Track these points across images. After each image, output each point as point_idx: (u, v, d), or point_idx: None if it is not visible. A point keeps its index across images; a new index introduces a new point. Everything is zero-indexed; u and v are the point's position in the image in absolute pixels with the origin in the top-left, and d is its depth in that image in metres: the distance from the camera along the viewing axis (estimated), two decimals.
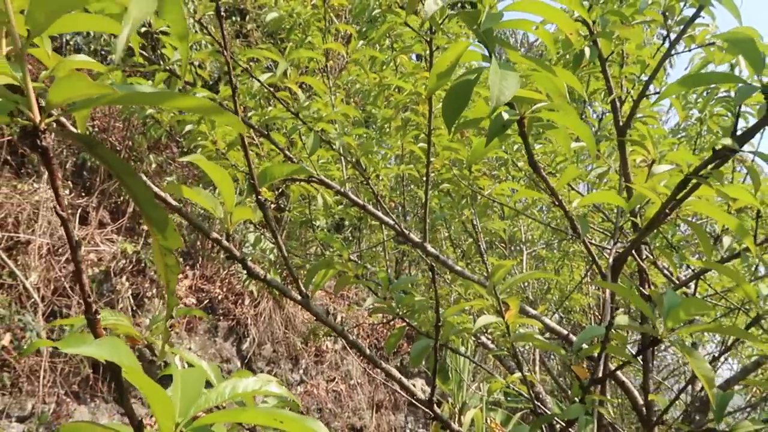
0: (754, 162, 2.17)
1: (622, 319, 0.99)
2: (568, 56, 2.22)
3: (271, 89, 2.23)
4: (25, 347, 4.44)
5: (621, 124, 2.06)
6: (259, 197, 1.14)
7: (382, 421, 6.81)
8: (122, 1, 0.42)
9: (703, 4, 1.82)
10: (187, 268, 6.10)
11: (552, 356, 6.48)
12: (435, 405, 1.37)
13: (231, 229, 1.06)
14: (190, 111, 0.48)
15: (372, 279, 2.13)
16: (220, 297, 6.08)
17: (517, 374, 1.47)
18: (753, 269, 2.98)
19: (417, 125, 2.60)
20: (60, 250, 5.04)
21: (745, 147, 1.03)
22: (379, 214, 2.50)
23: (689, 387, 2.74)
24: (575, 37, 0.93)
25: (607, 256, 1.51)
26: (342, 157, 2.60)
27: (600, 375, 1.10)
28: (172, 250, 0.51)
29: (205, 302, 5.98)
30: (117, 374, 0.47)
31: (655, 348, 5.69)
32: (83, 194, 5.57)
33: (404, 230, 2.39)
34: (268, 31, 6.73)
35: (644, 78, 2.42)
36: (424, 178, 2.26)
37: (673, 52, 2.01)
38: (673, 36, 2.00)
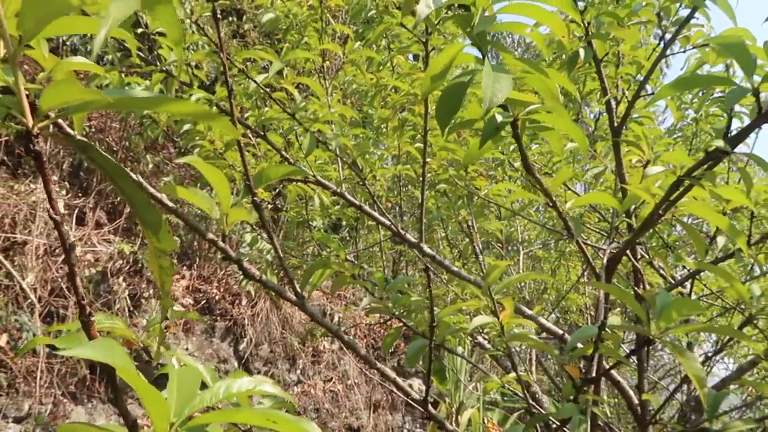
0: (748, 163, 2.18)
1: (614, 319, 1.00)
2: (564, 56, 2.23)
3: (268, 90, 2.23)
4: (21, 348, 4.43)
5: (616, 124, 2.07)
6: (255, 198, 1.15)
7: (379, 421, 6.82)
8: (102, 3, 0.42)
9: (697, 5, 1.83)
10: (185, 268, 6.09)
11: (549, 356, 6.49)
12: (431, 405, 1.38)
13: (227, 230, 1.07)
14: (184, 116, 0.48)
15: (369, 279, 2.14)
16: (217, 297, 6.08)
17: (513, 374, 1.47)
18: (749, 269, 2.99)
19: (414, 126, 2.60)
20: (57, 250, 5.03)
21: (741, 148, 1.04)
22: (376, 214, 2.50)
23: (684, 386, 2.75)
24: (567, 40, 0.93)
25: (603, 257, 1.52)
26: (338, 158, 2.60)
27: (593, 375, 1.11)
28: (167, 252, 0.51)
29: (203, 302, 5.98)
30: (112, 375, 0.48)
31: (652, 348, 5.71)
32: (80, 195, 5.56)
33: (400, 231, 2.39)
34: (265, 32, 6.73)
35: (640, 78, 2.43)
36: (421, 179, 2.27)
37: (668, 52, 2.02)
38: (668, 37, 2.01)
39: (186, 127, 2.42)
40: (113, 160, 0.46)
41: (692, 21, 1.95)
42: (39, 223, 4.92)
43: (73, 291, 0.45)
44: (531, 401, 1.62)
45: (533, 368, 4.39)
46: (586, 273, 4.26)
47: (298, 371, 6.51)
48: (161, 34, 2.18)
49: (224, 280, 6.27)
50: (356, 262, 3.14)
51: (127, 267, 5.40)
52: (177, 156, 6.15)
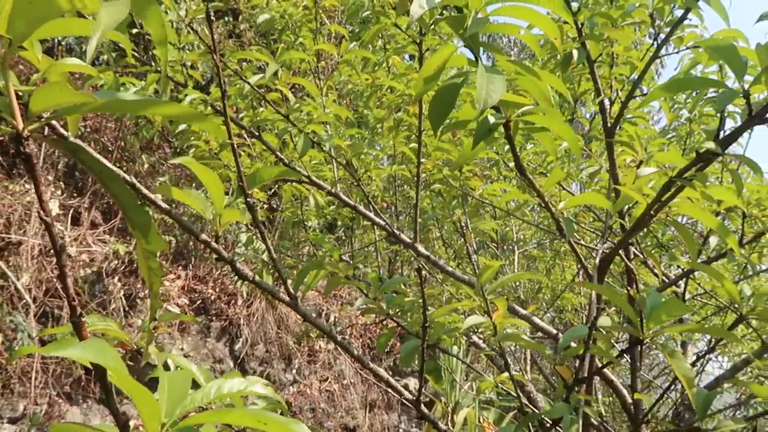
0: (741, 164, 2.19)
1: (605, 320, 1.01)
2: (558, 57, 2.24)
3: (262, 91, 2.23)
4: (16, 348, 4.42)
5: (609, 125, 2.08)
6: (249, 199, 1.15)
7: (375, 421, 6.82)
8: (91, 8, 0.43)
9: (690, 6, 1.84)
10: (180, 268, 6.09)
11: (546, 357, 6.50)
12: (427, 404, 1.39)
13: (220, 231, 1.07)
14: (173, 118, 0.49)
15: (363, 279, 2.14)
16: (212, 297, 6.07)
17: (506, 374, 1.48)
18: (742, 268, 3.01)
19: (409, 126, 2.61)
20: (52, 251, 5.02)
21: (735, 148, 1.05)
22: (371, 215, 2.51)
23: (679, 385, 2.76)
24: (559, 43, 0.94)
25: (596, 257, 1.53)
26: (333, 159, 2.61)
27: (584, 375, 1.11)
28: (156, 254, 0.52)
29: (198, 302, 5.98)
30: (102, 376, 0.48)
31: (646, 347, 5.72)
32: (75, 195, 5.55)
33: (395, 231, 2.40)
34: (261, 31, 6.73)
35: (634, 78, 2.44)
36: (416, 179, 2.28)
37: (661, 53, 2.03)
38: (662, 38, 2.02)
39: (181, 127, 2.42)
40: (103, 162, 0.46)
41: (686, 21, 1.96)
42: (34, 223, 4.91)
43: (63, 293, 0.45)
44: (525, 400, 1.63)
45: (528, 367, 4.40)
46: (580, 273, 4.27)
47: (294, 371, 6.51)
48: None
49: (220, 280, 6.26)
50: (351, 262, 3.15)
51: (123, 267, 5.40)
52: (172, 156, 6.14)
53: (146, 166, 5.93)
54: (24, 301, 4.66)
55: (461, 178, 2.80)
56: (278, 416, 0.51)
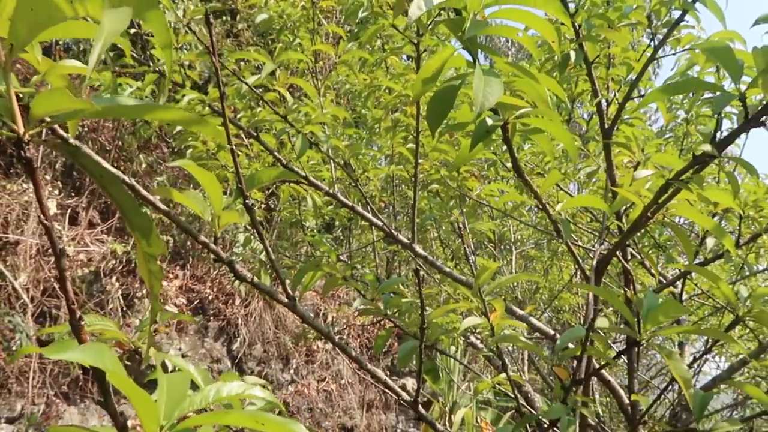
0: (737, 166, 2.19)
1: (602, 321, 1.01)
2: (556, 58, 2.24)
3: (260, 92, 2.24)
4: (14, 348, 4.42)
5: (607, 126, 2.08)
6: (247, 201, 1.15)
7: (372, 421, 6.83)
8: (94, 15, 0.43)
9: (687, 8, 1.85)
10: (178, 268, 6.08)
11: (542, 358, 6.51)
12: (424, 404, 1.39)
13: (218, 232, 1.07)
14: (171, 123, 0.49)
15: (361, 280, 2.14)
16: (210, 297, 6.07)
17: (504, 374, 1.48)
18: (739, 269, 3.02)
19: (406, 126, 2.61)
20: (49, 250, 5.01)
21: (732, 149, 1.05)
22: (368, 215, 2.51)
23: (676, 386, 2.77)
24: (557, 45, 0.94)
25: (593, 258, 1.53)
26: (331, 159, 2.61)
27: (581, 376, 1.12)
28: (156, 257, 0.52)
29: (196, 302, 5.97)
30: (101, 378, 0.48)
31: (643, 347, 5.73)
32: (73, 194, 5.55)
33: (393, 231, 2.40)
34: (259, 31, 6.73)
35: (631, 78, 2.44)
36: (413, 179, 2.28)
37: (658, 54, 2.03)
38: (659, 39, 2.02)
39: (179, 127, 2.42)
40: (103, 165, 0.47)
41: (683, 23, 1.97)
42: (31, 223, 4.90)
43: (63, 296, 0.45)
44: (522, 401, 1.64)
45: (525, 368, 4.40)
46: (578, 273, 4.27)
47: (292, 371, 6.51)
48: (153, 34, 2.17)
49: (217, 280, 6.26)
50: (349, 262, 3.15)
51: (120, 267, 5.39)
52: (170, 155, 6.14)
53: (144, 165, 5.93)
54: (21, 300, 4.66)
55: (459, 178, 2.80)
56: (276, 417, 0.52)
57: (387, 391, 1.38)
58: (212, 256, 1.12)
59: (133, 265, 5.46)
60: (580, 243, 3.11)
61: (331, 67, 5.78)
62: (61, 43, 5.63)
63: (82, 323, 0.49)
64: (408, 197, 3.54)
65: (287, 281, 1.28)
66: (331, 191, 2.49)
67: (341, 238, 6.45)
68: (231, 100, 2.45)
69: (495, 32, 1.05)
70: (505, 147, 3.02)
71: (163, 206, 1.00)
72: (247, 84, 2.14)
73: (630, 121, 2.54)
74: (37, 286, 4.84)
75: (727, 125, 2.94)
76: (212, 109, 2.28)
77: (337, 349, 6.73)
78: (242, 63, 2.68)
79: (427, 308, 1.58)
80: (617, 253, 1.61)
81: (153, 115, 0.48)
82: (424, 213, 3.13)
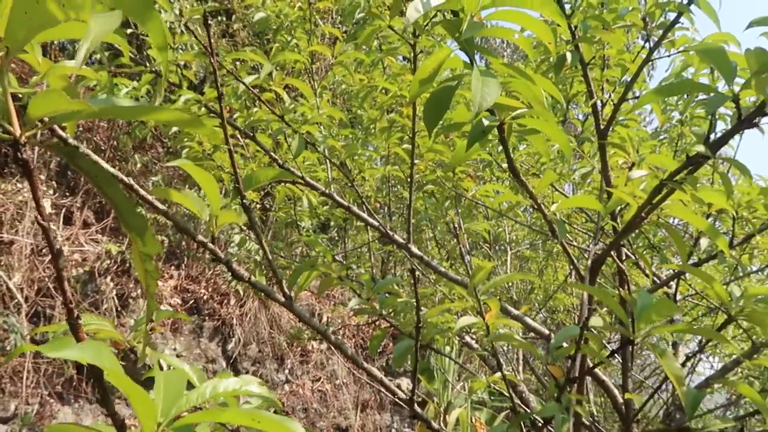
0: (731, 167, 2.21)
1: (596, 320, 1.02)
2: (552, 59, 2.25)
3: (256, 92, 2.24)
4: (8, 348, 4.41)
5: (602, 127, 2.09)
6: (245, 201, 1.16)
7: (367, 421, 6.83)
8: (84, 19, 0.43)
9: (682, 10, 1.86)
10: (173, 268, 6.07)
11: (537, 358, 6.52)
12: (419, 404, 1.39)
13: (216, 232, 1.07)
14: (168, 124, 0.49)
15: (356, 280, 2.14)
16: (205, 297, 6.06)
17: (499, 374, 1.49)
18: (733, 269, 3.03)
19: (402, 127, 2.61)
20: (44, 250, 5.00)
21: (727, 151, 1.06)
22: (364, 215, 2.51)
23: (670, 386, 2.78)
24: (553, 46, 0.95)
25: (588, 258, 1.54)
26: (327, 160, 2.61)
27: (575, 374, 1.12)
28: (152, 256, 0.52)
29: (191, 302, 5.97)
30: (99, 377, 0.48)
31: (637, 347, 5.75)
32: (67, 194, 5.53)
33: (388, 231, 2.40)
34: (255, 31, 6.72)
35: (626, 80, 2.45)
36: (409, 180, 2.28)
37: (653, 56, 2.04)
38: (654, 41, 2.03)
39: (175, 128, 2.42)
40: (100, 166, 0.47)
41: (677, 24, 1.98)
42: (26, 222, 4.89)
43: (60, 295, 0.45)
44: (517, 400, 1.64)
45: (520, 368, 4.42)
46: (573, 273, 4.29)
47: (287, 371, 6.50)
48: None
49: (212, 280, 6.25)
50: (344, 262, 3.15)
51: (115, 267, 5.38)
52: (165, 155, 6.13)
53: (139, 165, 5.91)
54: (16, 300, 4.64)
55: (454, 179, 2.81)
56: (272, 414, 0.52)
57: (382, 390, 1.39)
58: (208, 256, 1.13)
59: (127, 265, 5.44)
60: (575, 243, 3.12)
61: (327, 67, 5.78)
62: (56, 43, 5.61)
63: (80, 321, 0.49)
64: (403, 198, 3.55)
65: (283, 281, 1.29)
66: (327, 191, 2.49)
67: (336, 238, 6.45)
68: (227, 101, 2.45)
69: (492, 34, 1.06)
70: (500, 148, 3.03)
71: (161, 206, 1.00)
72: (244, 84, 2.14)
73: (625, 123, 2.55)
74: (32, 285, 4.82)
75: (721, 127, 2.95)
76: (209, 109, 2.28)
77: (332, 348, 6.73)
78: (238, 63, 2.68)
79: (422, 308, 1.59)
80: (612, 253, 1.62)
81: (149, 116, 0.48)
82: (420, 213, 3.14)
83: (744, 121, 0.95)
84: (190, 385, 0.81)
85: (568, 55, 1.99)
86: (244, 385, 0.66)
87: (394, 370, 7.16)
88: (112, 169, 0.79)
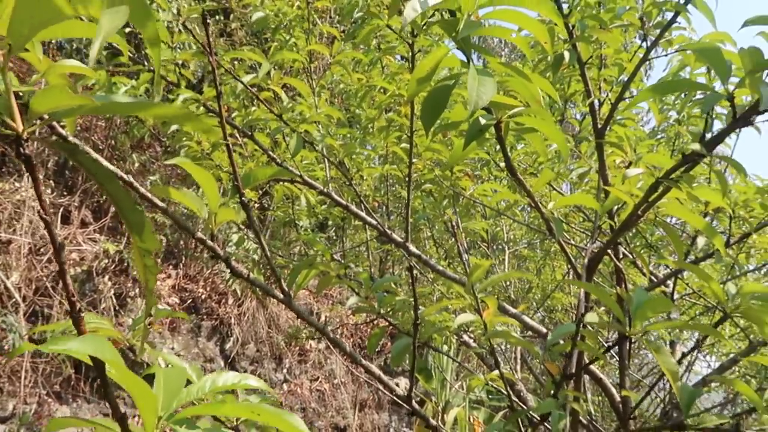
0: (727, 166, 2.21)
1: (591, 316, 1.03)
2: (550, 58, 2.26)
3: (255, 91, 2.24)
4: (6, 348, 4.41)
5: (599, 126, 2.10)
6: (243, 199, 1.16)
7: (365, 420, 6.84)
8: (93, 14, 0.44)
9: (679, 9, 1.86)
10: (171, 267, 6.07)
11: (535, 356, 6.52)
12: (416, 402, 1.40)
13: (215, 230, 1.08)
14: (168, 119, 0.50)
15: (355, 279, 2.15)
16: (203, 296, 6.06)
17: (496, 372, 1.50)
18: (730, 268, 3.04)
19: (400, 126, 2.62)
20: (42, 249, 5.00)
21: (724, 150, 1.07)
22: (362, 214, 2.52)
23: (668, 385, 2.78)
24: (549, 46, 0.96)
25: (585, 256, 1.55)
26: (325, 158, 2.62)
27: (572, 370, 1.13)
28: (151, 252, 0.53)
29: (189, 302, 5.97)
30: (101, 370, 0.49)
31: (635, 346, 5.76)
32: (65, 193, 5.53)
33: (387, 230, 2.41)
34: (253, 30, 6.73)
35: (623, 79, 2.46)
36: (407, 179, 2.29)
37: (651, 55, 2.05)
38: (651, 40, 2.04)
39: (174, 127, 2.43)
40: (101, 163, 0.47)
41: (674, 24, 1.98)
42: (24, 222, 4.89)
43: (63, 289, 0.46)
44: (515, 399, 1.65)
45: (518, 367, 4.42)
46: (570, 272, 4.29)
47: (285, 370, 6.51)
48: None
49: (210, 279, 6.25)
50: (342, 261, 3.16)
51: (113, 266, 5.38)
52: (163, 155, 6.13)
53: (136, 164, 5.91)
54: (14, 300, 4.64)
55: (452, 178, 2.81)
56: (271, 407, 0.53)
57: (380, 388, 1.39)
58: (206, 255, 1.13)
59: (125, 264, 5.44)
60: (572, 242, 3.13)
61: (325, 66, 5.78)
62: (53, 41, 5.61)
63: (82, 315, 0.49)
64: (402, 197, 3.55)
65: (282, 279, 1.29)
66: (325, 190, 2.50)
67: (334, 237, 6.46)
68: (226, 100, 2.45)
69: (489, 33, 1.06)
70: (498, 147, 3.04)
71: (160, 203, 1.00)
72: (243, 83, 2.15)
73: (623, 122, 2.56)
74: (30, 285, 4.82)
75: (719, 126, 2.96)
76: (207, 108, 2.28)
77: (330, 346, 6.73)
78: (236, 62, 2.68)
79: (420, 307, 1.59)
80: (609, 251, 1.63)
81: (149, 111, 0.49)
82: (418, 212, 3.15)
83: (739, 120, 0.96)
84: (189, 383, 0.82)
85: (566, 54, 2.00)
86: (243, 379, 0.67)
87: (392, 369, 7.17)
88: (111, 167, 0.80)
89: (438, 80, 1.03)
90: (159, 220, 5.66)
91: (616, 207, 2.00)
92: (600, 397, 5.46)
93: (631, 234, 2.96)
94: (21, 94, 0.52)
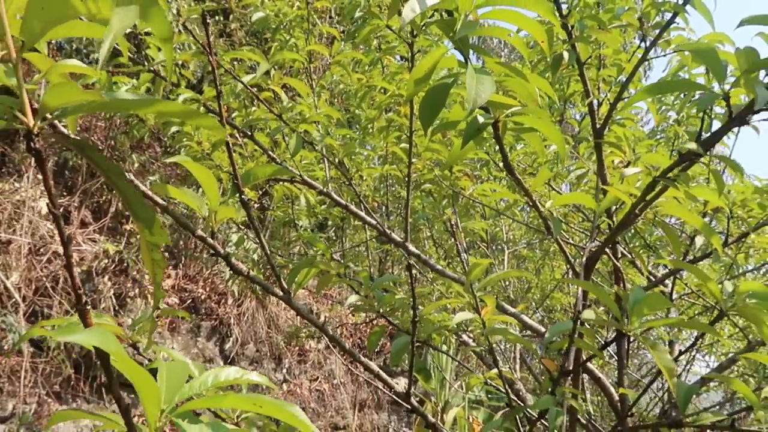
0: (725, 167, 2.22)
1: (588, 313, 1.03)
2: (549, 58, 2.27)
3: (254, 90, 2.25)
4: (6, 348, 4.41)
5: (598, 126, 2.11)
6: (243, 197, 1.17)
7: (365, 420, 6.84)
8: (104, 13, 0.45)
9: (677, 10, 1.88)
10: (170, 267, 6.08)
11: (533, 355, 6.54)
12: (415, 401, 1.41)
13: (215, 228, 1.09)
14: (174, 116, 0.51)
15: (355, 278, 2.16)
16: (203, 297, 6.07)
17: (495, 370, 1.51)
18: (728, 268, 3.05)
19: (399, 126, 2.63)
20: (41, 249, 5.01)
21: (722, 150, 1.08)
22: (362, 214, 2.53)
23: (667, 385, 2.79)
24: (546, 46, 0.97)
25: (584, 255, 1.56)
26: (325, 158, 2.63)
27: (569, 367, 1.14)
28: (159, 246, 0.54)
29: (188, 302, 5.97)
30: (106, 361, 0.50)
31: (635, 346, 5.75)
32: (65, 193, 5.54)
33: (386, 230, 2.42)
34: (252, 31, 6.74)
35: (622, 79, 2.47)
36: (407, 179, 2.30)
37: (649, 56, 2.06)
38: (649, 40, 2.05)
39: (174, 129, 2.44)
40: (110, 161, 0.48)
41: (673, 24, 1.99)
42: (24, 222, 4.90)
43: (70, 281, 0.47)
44: (513, 397, 1.66)
45: (517, 367, 4.43)
46: (569, 272, 4.30)
47: (284, 370, 6.52)
48: (148, 34, 2.19)
49: (210, 280, 6.26)
50: (342, 261, 3.17)
51: (113, 266, 5.39)
52: (163, 155, 6.14)
53: (136, 165, 5.92)
54: (13, 300, 4.65)
55: (451, 178, 2.82)
56: (272, 399, 0.54)
57: (379, 386, 1.40)
58: (206, 254, 1.14)
59: (125, 264, 5.45)
60: (571, 242, 3.14)
61: (325, 67, 5.79)
62: (53, 41, 5.62)
63: (88, 308, 0.50)
64: (401, 197, 3.56)
65: (281, 277, 1.30)
66: (325, 190, 2.51)
67: (334, 237, 6.46)
68: (226, 99, 2.46)
69: (486, 33, 1.07)
70: (497, 147, 3.05)
71: (161, 201, 1.01)
72: (242, 83, 2.15)
73: (622, 122, 2.57)
74: (29, 285, 4.83)
75: (718, 126, 2.96)
76: (207, 108, 2.29)
77: (330, 344, 6.73)
78: (236, 63, 2.69)
79: (419, 306, 1.60)
80: (607, 250, 1.64)
81: (156, 108, 0.50)
82: (418, 212, 3.16)
83: (734, 120, 0.97)
84: (191, 378, 0.83)
85: (565, 54, 2.01)
86: (245, 374, 0.68)
87: (391, 369, 7.18)
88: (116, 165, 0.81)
89: (437, 80, 1.04)
90: (160, 219, 5.66)
91: (614, 206, 2.01)
92: (599, 397, 5.47)
93: (630, 234, 2.97)
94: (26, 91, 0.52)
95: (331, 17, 6.24)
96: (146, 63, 2.21)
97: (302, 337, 6.08)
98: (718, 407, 3.81)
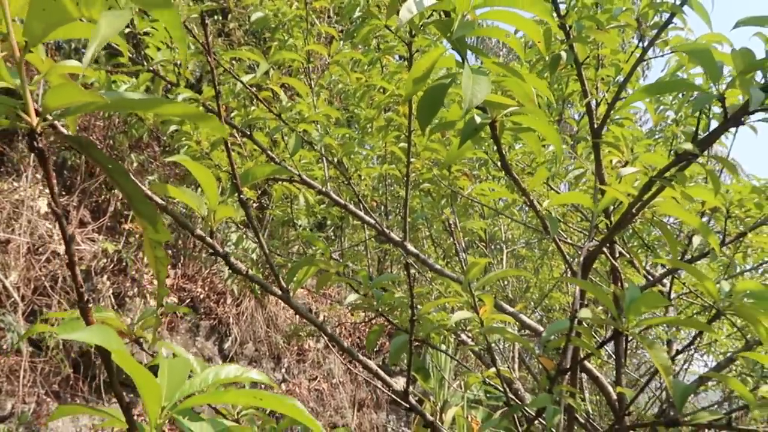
0: (723, 167, 2.23)
1: (585, 312, 1.04)
2: (547, 59, 2.28)
3: (254, 90, 2.26)
4: (5, 348, 4.42)
5: (596, 126, 2.11)
6: (242, 196, 1.18)
7: (364, 420, 6.85)
8: (95, 17, 0.46)
9: (675, 11, 1.88)
10: (169, 267, 6.08)
11: (532, 354, 6.55)
12: (413, 398, 1.42)
13: (214, 227, 1.09)
14: (176, 116, 0.51)
15: (353, 277, 2.16)
16: (201, 296, 6.07)
17: (493, 369, 1.51)
18: (726, 268, 3.06)
19: (398, 126, 2.64)
20: (40, 249, 5.01)
21: (721, 150, 1.09)
22: (361, 213, 2.54)
23: (665, 385, 2.80)
24: (543, 46, 0.97)
25: (581, 255, 1.56)
26: (324, 158, 2.63)
27: (566, 365, 1.15)
28: (162, 243, 0.54)
29: (187, 301, 5.98)
30: (107, 359, 0.50)
31: (633, 345, 5.76)
32: (64, 193, 5.54)
33: (385, 229, 2.43)
34: (251, 30, 6.74)
35: (620, 79, 2.48)
36: (405, 178, 2.31)
37: (647, 56, 2.07)
38: (647, 41, 2.06)
39: (173, 128, 2.44)
40: (111, 158, 0.49)
41: (671, 24, 2.00)
42: (22, 221, 4.90)
43: (71, 279, 0.48)
44: (511, 396, 1.66)
45: (516, 366, 4.44)
46: (568, 271, 4.31)
47: (283, 370, 6.52)
48: (147, 34, 2.19)
49: (209, 279, 6.26)
50: (341, 260, 3.17)
51: (111, 266, 5.39)
52: (161, 154, 6.14)
53: (135, 164, 5.92)
54: (12, 299, 4.65)
55: (450, 177, 2.83)
56: (272, 393, 0.54)
57: (378, 385, 1.41)
58: (205, 254, 1.15)
59: (124, 264, 5.45)
60: (570, 241, 3.15)
61: (324, 66, 5.80)
62: (52, 42, 5.62)
63: (89, 306, 0.51)
64: (400, 196, 3.57)
65: (280, 276, 1.31)
66: (324, 189, 2.51)
67: (333, 237, 6.47)
68: (225, 99, 2.47)
69: (483, 33, 1.08)
70: (495, 147, 3.05)
71: (162, 201, 1.02)
72: (242, 82, 2.16)
73: (620, 122, 2.58)
74: (28, 284, 4.83)
75: (714, 126, 2.97)
76: (206, 108, 2.29)
77: (329, 343, 6.73)
78: (235, 62, 2.70)
79: (418, 305, 1.61)
80: (605, 250, 1.65)
81: (158, 108, 0.50)
82: (416, 212, 3.16)
83: (730, 120, 0.97)
84: (192, 375, 0.83)
85: (564, 55, 2.02)
86: (245, 372, 0.69)
87: (390, 368, 7.18)
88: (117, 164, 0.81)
89: (435, 80, 1.05)
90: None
91: (612, 206, 2.02)
92: (598, 397, 5.48)
93: (628, 233, 2.98)
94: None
95: (329, 17, 6.24)
96: (145, 63, 2.22)
97: (302, 336, 6.09)
98: (716, 406, 3.82)
